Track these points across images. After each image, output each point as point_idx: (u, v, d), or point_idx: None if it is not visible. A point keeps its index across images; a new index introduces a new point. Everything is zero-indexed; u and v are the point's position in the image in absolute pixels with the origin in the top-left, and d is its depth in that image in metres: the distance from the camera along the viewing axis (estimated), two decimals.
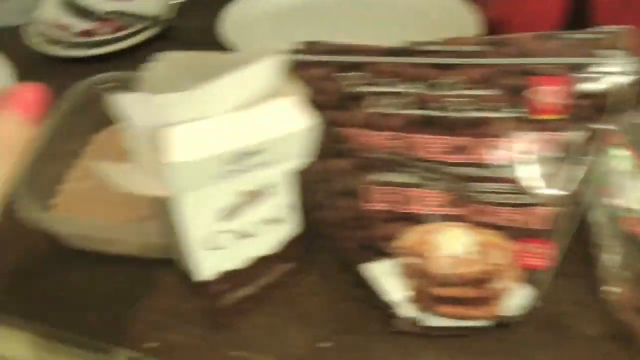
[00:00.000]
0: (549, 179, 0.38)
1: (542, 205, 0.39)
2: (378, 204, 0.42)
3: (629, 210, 0.42)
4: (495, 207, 0.39)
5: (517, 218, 0.40)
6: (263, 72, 0.35)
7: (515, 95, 0.37)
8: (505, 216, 0.40)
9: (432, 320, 0.45)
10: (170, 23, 0.81)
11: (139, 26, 0.79)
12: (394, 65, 0.37)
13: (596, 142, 0.38)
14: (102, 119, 0.61)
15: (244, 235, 0.41)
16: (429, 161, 0.38)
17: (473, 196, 0.39)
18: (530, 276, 0.42)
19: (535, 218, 0.39)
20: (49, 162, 0.55)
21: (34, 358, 0.58)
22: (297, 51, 0.39)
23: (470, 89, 0.36)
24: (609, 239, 0.43)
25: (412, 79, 0.37)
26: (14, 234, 0.54)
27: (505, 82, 0.37)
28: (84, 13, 0.84)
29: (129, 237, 0.49)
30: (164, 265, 0.51)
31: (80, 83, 0.60)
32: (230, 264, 0.43)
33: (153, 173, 0.35)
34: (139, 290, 0.51)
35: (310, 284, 0.50)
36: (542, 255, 0.41)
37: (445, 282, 0.42)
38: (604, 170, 0.42)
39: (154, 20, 0.80)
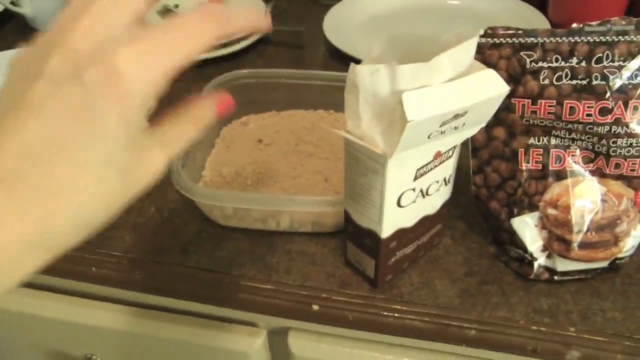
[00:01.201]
0: None
1: None
2: (532, 164, 0.50)
3: None
4: (622, 159, 0.49)
5: (638, 167, 0.49)
6: (467, 51, 0.43)
7: None
8: (629, 167, 0.49)
9: (562, 266, 0.53)
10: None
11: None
12: (562, 44, 0.46)
13: None
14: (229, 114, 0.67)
15: (423, 194, 0.49)
16: (580, 123, 0.47)
17: (609, 151, 0.48)
18: None
19: None
20: (195, 149, 0.61)
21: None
22: (482, 35, 0.48)
23: (623, 61, 0.46)
24: None
25: (578, 55, 0.46)
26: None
27: None
28: None
29: (293, 208, 0.55)
30: (310, 239, 0.58)
31: (212, 82, 0.66)
32: (405, 222, 0.50)
33: (382, 132, 0.42)
34: (291, 263, 0.56)
35: (447, 246, 0.57)
36: None
37: (579, 229, 0.51)
38: None
39: None
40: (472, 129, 0.46)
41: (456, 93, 0.42)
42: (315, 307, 0.53)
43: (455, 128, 0.44)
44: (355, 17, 0.91)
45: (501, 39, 0.48)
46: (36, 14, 0.93)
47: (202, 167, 0.64)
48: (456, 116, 0.42)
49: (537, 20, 0.85)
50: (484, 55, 0.49)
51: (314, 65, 0.84)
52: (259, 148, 0.66)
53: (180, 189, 0.55)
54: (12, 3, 0.92)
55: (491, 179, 0.53)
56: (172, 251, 0.58)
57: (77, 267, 0.58)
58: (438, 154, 0.46)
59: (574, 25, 0.46)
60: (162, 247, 0.58)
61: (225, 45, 0.83)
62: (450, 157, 0.48)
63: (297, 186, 0.61)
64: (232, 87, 0.68)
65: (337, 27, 0.87)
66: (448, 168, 0.49)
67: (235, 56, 0.84)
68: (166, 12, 0.91)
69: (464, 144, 0.49)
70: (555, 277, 0.53)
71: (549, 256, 0.53)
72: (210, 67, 0.81)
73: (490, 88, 0.43)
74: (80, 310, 0.63)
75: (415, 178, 0.46)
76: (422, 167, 0.46)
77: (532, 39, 0.47)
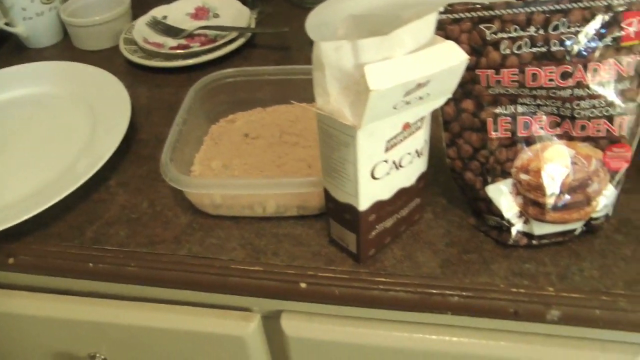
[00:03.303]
0: (629, 92, 0.50)
1: (623, 114, 0.50)
2: (501, 133, 0.52)
3: None
4: (587, 121, 0.51)
5: (603, 128, 0.51)
6: (427, 25, 0.45)
7: (611, 28, 0.48)
8: (595, 128, 0.51)
9: (538, 230, 0.55)
10: (252, 32, 0.92)
11: (226, 38, 0.88)
12: (519, 15, 0.49)
13: None
14: (217, 112, 0.70)
15: (396, 166, 0.51)
16: (543, 88, 0.50)
17: (573, 114, 0.50)
18: (613, 178, 0.53)
19: (618, 126, 0.51)
20: (184, 146, 0.63)
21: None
22: (442, 12, 0.50)
23: (579, 26, 0.48)
24: None
25: (535, 24, 0.49)
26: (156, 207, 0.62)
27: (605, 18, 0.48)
28: (173, 32, 0.94)
29: (276, 191, 0.57)
30: (297, 222, 0.60)
31: (198, 82, 0.69)
32: (382, 194, 0.52)
33: (349, 105, 0.44)
34: (279, 245, 0.58)
35: (428, 220, 0.59)
36: (624, 157, 0.52)
37: (552, 192, 0.53)
38: None
39: (239, 31, 0.90)
40: (437, 100, 0.48)
41: (417, 63, 0.44)
42: (303, 285, 0.55)
43: (420, 98, 0.47)
44: (337, 17, 0.94)
45: (460, 14, 0.50)
46: (29, 33, 0.97)
47: (191, 162, 0.66)
48: (419, 85, 0.45)
49: None
50: (446, 31, 0.51)
51: (300, 64, 0.86)
52: (246, 142, 0.69)
53: (169, 180, 0.57)
54: (6, 24, 0.95)
55: (464, 150, 0.55)
56: (165, 242, 0.60)
57: (75, 264, 0.60)
58: (407, 126, 0.49)
59: None
60: (155, 239, 0.60)
61: (211, 50, 0.86)
62: (419, 128, 0.50)
63: (281, 174, 0.63)
64: (219, 86, 0.71)
65: (320, 26, 0.89)
66: (419, 140, 0.51)
67: (221, 60, 0.86)
68: (155, 23, 0.94)
69: (436, 120, 0.51)
70: (534, 242, 0.55)
71: (525, 222, 0.55)
72: (197, 72, 0.84)
73: (450, 58, 0.45)
74: (79, 308, 0.65)
75: (387, 149, 0.48)
76: (392, 138, 0.48)
77: (490, 11, 0.49)
